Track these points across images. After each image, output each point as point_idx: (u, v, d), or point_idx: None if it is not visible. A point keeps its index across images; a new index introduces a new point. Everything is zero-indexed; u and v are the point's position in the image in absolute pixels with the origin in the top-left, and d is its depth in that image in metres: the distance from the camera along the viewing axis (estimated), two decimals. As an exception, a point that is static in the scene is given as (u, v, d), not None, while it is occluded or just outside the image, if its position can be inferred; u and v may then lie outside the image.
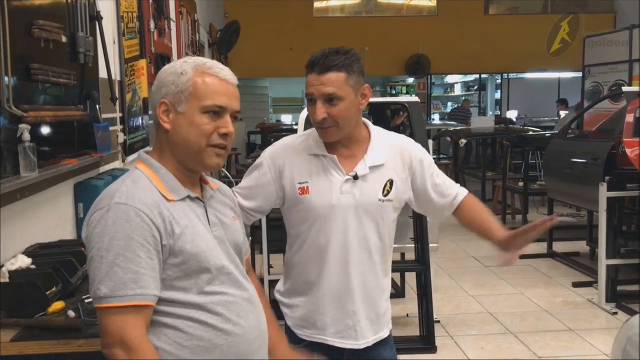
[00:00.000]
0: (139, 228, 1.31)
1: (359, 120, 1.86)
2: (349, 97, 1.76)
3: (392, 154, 1.89)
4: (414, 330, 4.06)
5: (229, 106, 1.43)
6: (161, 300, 1.36)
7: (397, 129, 7.63)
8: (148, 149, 1.51)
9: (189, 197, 1.43)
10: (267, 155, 1.91)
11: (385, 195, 1.84)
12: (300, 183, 1.83)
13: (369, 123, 1.93)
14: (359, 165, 1.84)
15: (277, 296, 2.00)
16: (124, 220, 1.31)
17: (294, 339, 1.92)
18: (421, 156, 1.94)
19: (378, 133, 1.92)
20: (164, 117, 1.42)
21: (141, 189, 1.37)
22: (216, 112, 1.41)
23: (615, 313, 4.50)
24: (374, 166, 1.84)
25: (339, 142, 1.85)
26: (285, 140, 1.96)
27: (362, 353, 1.90)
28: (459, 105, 13.58)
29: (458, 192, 1.98)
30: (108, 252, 1.29)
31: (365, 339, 1.87)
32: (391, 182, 1.86)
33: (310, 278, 1.87)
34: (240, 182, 1.98)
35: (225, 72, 1.45)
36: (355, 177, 1.82)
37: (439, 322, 4.18)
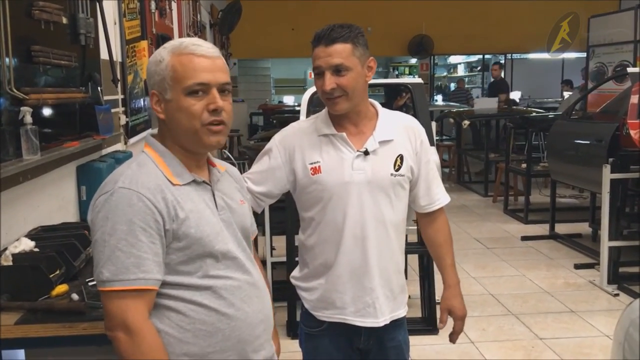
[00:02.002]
0: (141, 212, 1.31)
1: (365, 94, 1.88)
2: (356, 68, 1.79)
3: (400, 131, 1.91)
4: (416, 312, 4.07)
5: (212, 81, 1.40)
6: (165, 284, 1.36)
7: (399, 110, 7.59)
8: (154, 131, 1.51)
9: (194, 181, 1.43)
10: (277, 140, 1.93)
11: (397, 170, 1.86)
12: (311, 163, 1.85)
13: (375, 102, 1.96)
14: (368, 140, 1.86)
15: (293, 281, 2.01)
16: (126, 205, 1.31)
17: (313, 322, 1.94)
18: (423, 138, 1.96)
19: (385, 111, 1.95)
20: (157, 107, 1.43)
21: (145, 173, 1.37)
22: (201, 91, 1.39)
23: (617, 294, 4.51)
24: (383, 141, 1.86)
25: (347, 120, 1.86)
26: (293, 125, 1.98)
27: (379, 333, 1.92)
28: (456, 87, 13.59)
29: (440, 197, 2.02)
30: (111, 236, 1.30)
31: (383, 317, 1.89)
32: (401, 157, 1.88)
33: (327, 258, 1.87)
34: (242, 162, 1.98)
35: (203, 47, 1.41)
36: (366, 153, 1.84)
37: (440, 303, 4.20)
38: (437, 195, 2.00)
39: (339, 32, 1.77)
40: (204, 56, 1.40)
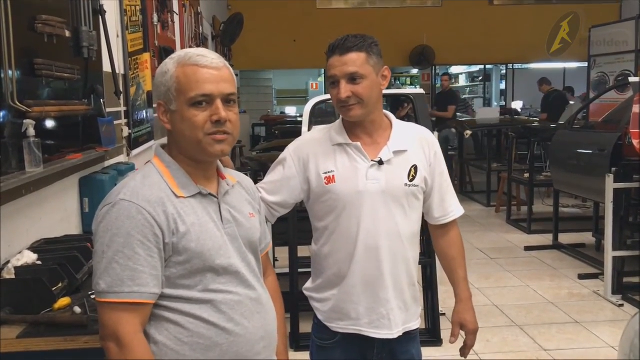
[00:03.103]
0: (140, 225, 1.31)
1: (380, 104, 1.89)
2: (371, 76, 1.80)
3: (414, 142, 1.92)
4: (420, 323, 4.05)
5: (215, 92, 1.39)
6: (164, 296, 1.36)
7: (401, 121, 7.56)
8: (164, 141, 1.50)
9: (200, 193, 1.42)
10: (291, 149, 1.93)
11: (411, 180, 1.86)
12: (325, 172, 1.85)
13: (389, 113, 1.97)
14: (382, 150, 1.86)
15: (307, 293, 2.01)
16: (125, 217, 1.31)
17: (326, 334, 1.93)
18: (437, 150, 1.96)
19: (399, 122, 1.96)
20: (163, 117, 1.43)
21: (148, 185, 1.37)
22: (205, 102, 1.39)
23: (621, 305, 4.48)
24: (397, 151, 1.86)
25: (361, 130, 1.87)
26: (307, 135, 2.00)
27: (392, 346, 1.91)
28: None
29: (454, 209, 2.01)
30: (109, 247, 1.31)
31: (397, 328, 1.89)
32: (415, 168, 1.88)
33: (340, 268, 1.87)
34: (244, 173, 1.98)
35: (207, 58, 1.41)
36: (380, 162, 1.84)
37: (444, 314, 4.16)
38: (451, 207, 1.99)
39: (353, 41, 1.79)
40: (207, 67, 1.40)
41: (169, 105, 1.41)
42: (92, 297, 1.87)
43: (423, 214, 2.01)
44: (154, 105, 1.47)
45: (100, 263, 1.32)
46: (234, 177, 1.57)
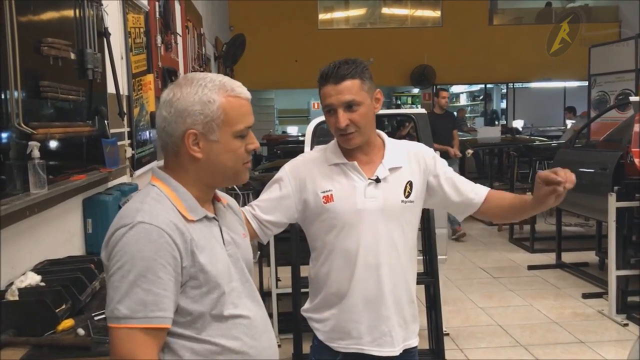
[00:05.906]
0: (162, 249, 1.28)
1: (374, 125, 1.92)
2: (366, 102, 1.83)
3: (408, 158, 1.94)
4: (423, 343, 4.02)
5: (252, 123, 1.44)
6: (180, 324, 1.33)
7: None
8: (161, 163, 1.49)
9: (206, 217, 1.41)
10: (287, 169, 1.95)
11: (407, 197, 1.88)
12: (323, 192, 1.86)
13: (381, 132, 1.99)
14: (378, 168, 1.88)
15: (305, 314, 2.00)
16: (147, 240, 1.27)
17: (327, 355, 1.92)
18: (432, 155, 1.98)
19: (391, 140, 1.98)
20: (194, 147, 1.38)
21: (163, 208, 1.34)
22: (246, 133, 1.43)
23: (626, 324, 4.46)
24: (392, 168, 1.89)
25: (357, 150, 1.89)
26: (304, 155, 2.01)
27: None
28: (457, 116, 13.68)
29: (479, 190, 1.99)
30: (129, 271, 1.26)
31: (398, 345, 1.89)
32: (410, 184, 1.90)
33: (340, 287, 1.87)
34: (246, 192, 1.99)
35: (244, 91, 1.43)
36: (377, 180, 1.86)
37: (447, 334, 4.15)
38: (477, 186, 1.98)
39: (346, 69, 1.80)
40: (247, 99, 1.43)
41: (208, 135, 1.37)
42: (96, 318, 1.87)
43: (466, 210, 1.99)
44: (184, 132, 1.37)
45: (119, 288, 1.25)
46: (225, 199, 1.57)
